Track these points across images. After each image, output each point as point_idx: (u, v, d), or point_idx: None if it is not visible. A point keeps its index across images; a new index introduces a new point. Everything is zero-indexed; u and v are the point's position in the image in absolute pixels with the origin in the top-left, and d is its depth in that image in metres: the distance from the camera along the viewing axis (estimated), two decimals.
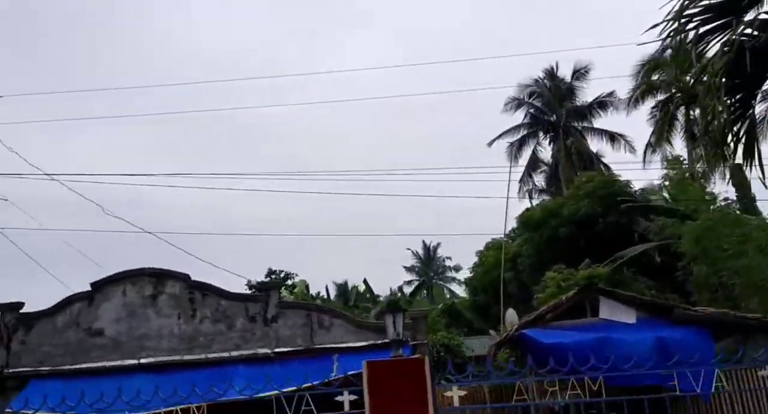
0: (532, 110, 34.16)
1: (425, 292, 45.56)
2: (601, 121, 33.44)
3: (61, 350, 15.84)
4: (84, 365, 15.58)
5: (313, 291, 36.72)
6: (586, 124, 33.52)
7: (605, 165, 31.25)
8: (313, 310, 16.50)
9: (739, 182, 22.48)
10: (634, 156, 31.19)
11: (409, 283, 47.22)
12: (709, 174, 27.19)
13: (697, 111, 29.90)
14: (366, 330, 16.19)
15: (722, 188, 23.22)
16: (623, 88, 32.30)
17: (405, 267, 49.59)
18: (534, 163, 33.84)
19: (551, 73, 34.15)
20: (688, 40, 5.75)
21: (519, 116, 34.20)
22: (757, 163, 7.10)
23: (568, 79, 34.19)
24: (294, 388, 5.81)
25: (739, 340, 13.21)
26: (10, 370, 15.65)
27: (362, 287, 40.31)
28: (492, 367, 9.80)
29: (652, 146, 29.98)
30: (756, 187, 22.00)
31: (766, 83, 6.83)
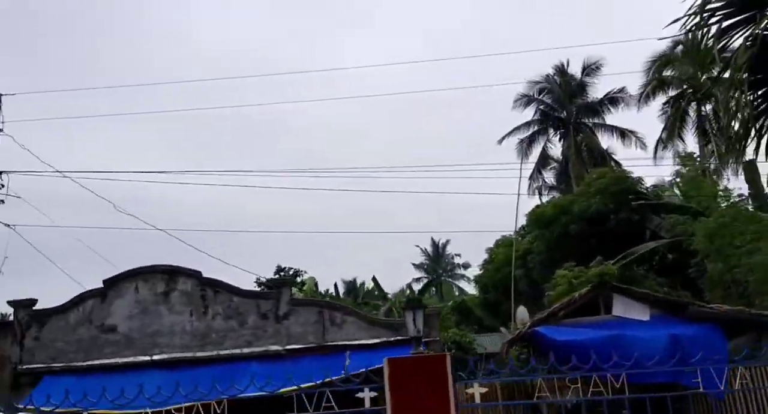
0: (542, 107, 34.02)
1: (434, 289, 45.52)
2: (612, 118, 33.31)
3: (74, 347, 15.94)
4: (97, 362, 15.69)
5: (321, 288, 36.73)
6: (596, 121, 33.36)
7: (616, 161, 31.09)
8: (324, 307, 16.51)
9: (752, 178, 22.31)
10: (645, 152, 31.07)
11: (417, 280, 47.22)
12: (722, 170, 27.07)
13: (709, 106, 29.93)
14: (378, 327, 16.20)
15: (735, 184, 23.07)
16: (634, 84, 32.17)
17: (414, 264, 49.58)
18: (544, 159, 33.69)
19: (561, 70, 33.99)
20: (710, 35, 5.68)
21: (529, 113, 34.10)
22: None
23: (578, 75, 34.02)
24: (313, 384, 5.79)
25: (754, 338, 13.12)
26: (24, 367, 15.77)
27: (370, 285, 40.32)
28: (505, 364, 9.79)
29: (664, 142, 29.87)
30: None
31: None
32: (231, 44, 76.50)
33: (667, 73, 30.16)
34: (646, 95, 30.22)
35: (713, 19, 5.82)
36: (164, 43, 79.97)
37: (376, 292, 37.58)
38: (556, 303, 16.85)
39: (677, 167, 26.02)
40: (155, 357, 15.79)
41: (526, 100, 33.59)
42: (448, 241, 50.16)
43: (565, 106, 33.65)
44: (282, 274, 34.58)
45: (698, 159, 27.10)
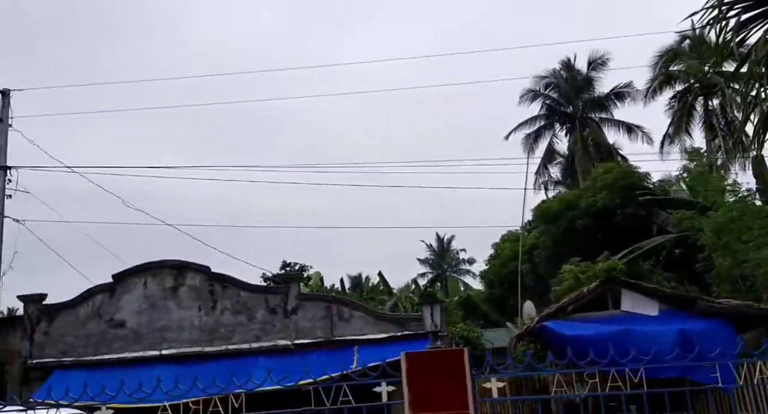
0: (548, 102, 33.93)
1: (439, 284, 45.52)
2: (619, 113, 33.22)
3: (84, 341, 16.01)
4: (106, 356, 15.74)
5: (327, 283, 36.81)
6: (603, 116, 33.26)
7: (622, 156, 31.03)
8: (332, 302, 16.55)
9: (760, 173, 22.26)
10: (651, 147, 30.99)
11: (422, 275, 47.18)
12: (729, 165, 27.02)
13: (716, 101, 29.87)
14: (385, 322, 16.23)
15: (743, 179, 23.00)
16: (640, 79, 32.10)
17: (419, 259, 49.55)
18: (550, 154, 33.62)
19: (568, 65, 33.89)
20: (728, 28, 5.65)
21: (535, 108, 34.02)
22: None
23: (584, 70, 33.92)
24: (328, 376, 5.81)
25: (762, 333, 13.11)
26: (34, 361, 15.84)
27: (375, 280, 40.35)
28: (513, 359, 9.79)
29: (670, 137, 29.79)
30: None
31: None
32: (232, 42, 76.48)
33: (674, 68, 30.06)
34: (652, 90, 30.13)
35: (732, 13, 5.79)
36: (164, 41, 79.96)
37: (382, 287, 37.60)
38: (562, 298, 16.87)
39: (684, 162, 26.02)
40: (164, 352, 15.84)
41: (532, 95, 33.52)
42: (453, 237, 50.19)
43: (571, 100, 33.58)
44: (287, 269, 34.67)
45: (705, 154, 27.05)
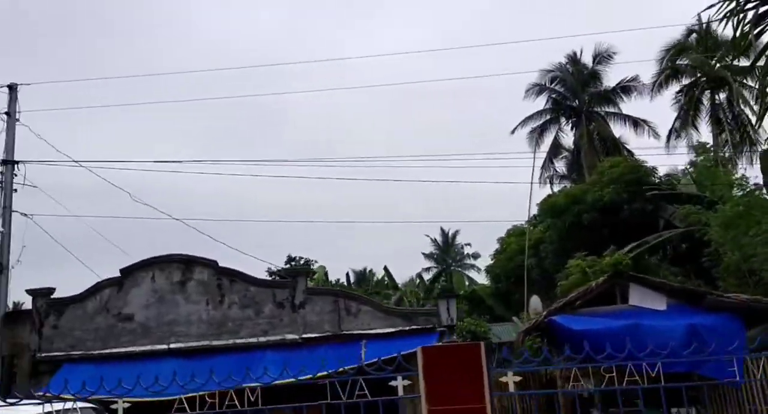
0: (554, 95, 33.82)
1: (444, 279, 45.53)
2: (625, 107, 33.09)
3: (92, 335, 16.08)
4: (114, 350, 15.82)
5: (332, 278, 36.85)
6: (609, 110, 33.13)
7: (628, 151, 30.93)
8: (340, 297, 16.58)
9: (767, 167, 22.17)
10: (657, 142, 30.88)
11: (427, 270, 47.22)
12: (735, 159, 26.93)
13: (723, 95, 29.76)
14: (393, 316, 16.26)
15: (751, 174, 22.92)
16: (646, 73, 32.01)
17: (424, 254, 49.58)
18: (556, 148, 33.51)
19: (574, 59, 33.76)
20: (746, 21, 5.61)
21: (541, 102, 33.92)
22: None
23: (590, 64, 33.80)
24: (342, 369, 5.82)
25: None
26: (43, 355, 15.93)
27: (380, 274, 40.39)
28: (520, 354, 9.78)
29: (677, 131, 29.68)
30: None
31: None
32: (232, 42, 76.40)
33: (681, 61, 29.94)
34: (659, 84, 30.01)
35: (750, 5, 5.74)
36: (165, 41, 79.90)
37: (387, 282, 37.62)
38: (569, 292, 16.84)
39: (691, 156, 25.93)
40: (172, 346, 15.91)
41: (537, 89, 33.40)
42: (457, 232, 50.21)
43: (577, 94, 33.46)
44: (293, 263, 34.71)
45: (712, 148, 26.95)
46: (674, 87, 30.23)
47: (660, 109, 35.44)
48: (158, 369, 11.42)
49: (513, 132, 33.02)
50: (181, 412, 5.65)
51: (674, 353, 5.92)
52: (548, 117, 33.60)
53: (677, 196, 23.04)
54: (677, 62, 29.99)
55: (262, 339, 15.92)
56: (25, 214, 16.91)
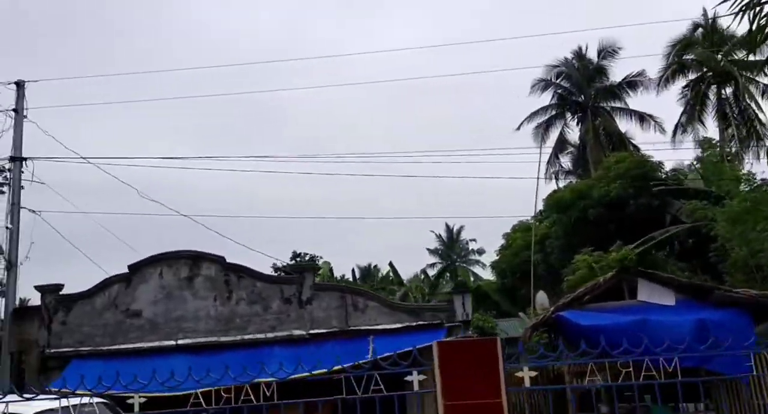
0: (559, 91, 33.74)
1: (448, 275, 45.55)
2: (631, 102, 33.02)
3: (100, 331, 16.15)
4: (123, 346, 15.88)
5: (337, 274, 36.90)
6: (615, 105, 33.06)
7: (634, 146, 30.87)
8: (347, 292, 16.62)
9: None
10: (664, 137, 30.82)
11: (432, 265, 47.25)
12: (742, 154, 26.87)
13: (729, 90, 29.67)
14: (399, 312, 16.29)
15: (757, 169, 22.89)
16: (652, 68, 31.88)
17: (428, 249, 49.63)
18: (561, 144, 33.46)
19: (579, 54, 33.69)
20: (763, 14, 5.57)
21: (546, 98, 33.86)
22: None
23: (595, 59, 33.71)
24: (356, 363, 5.84)
25: None
26: (51, 350, 16.00)
27: (385, 270, 40.42)
28: (525, 349, 9.80)
29: (683, 126, 29.64)
30: None
31: None
32: (231, 42, 76.38)
33: (687, 56, 29.85)
34: (665, 79, 29.94)
35: None
36: (166, 40, 79.82)
37: (392, 278, 37.66)
38: (575, 287, 16.82)
39: (697, 152, 25.86)
40: (180, 342, 15.97)
41: (543, 84, 33.32)
42: (462, 227, 50.25)
43: (583, 90, 33.39)
44: (298, 259, 34.78)
45: (718, 143, 26.89)
46: (680, 82, 30.21)
47: (666, 104, 35.40)
48: (167, 365, 11.47)
49: (519, 128, 32.99)
50: (196, 406, 5.69)
51: (685, 348, 5.90)
52: (554, 112, 33.54)
53: (684, 192, 23.00)
54: (684, 57, 29.91)
55: (270, 335, 15.97)
56: (34, 211, 16.97)
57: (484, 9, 79.73)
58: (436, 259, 49.11)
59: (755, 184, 18.98)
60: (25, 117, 17.04)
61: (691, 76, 30.11)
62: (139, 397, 5.58)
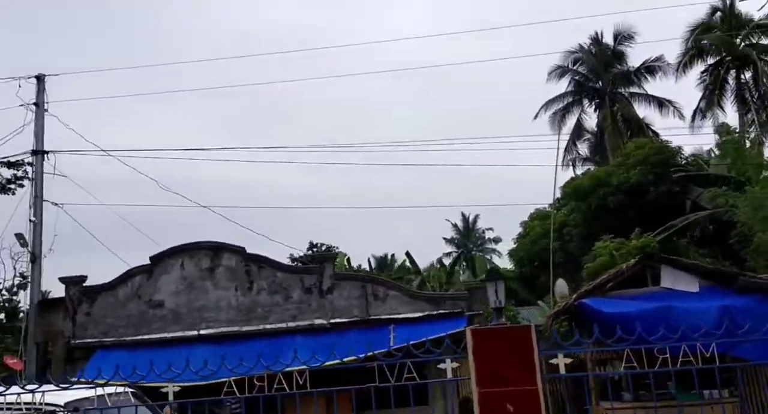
0: (577, 77, 33.44)
1: (465, 263, 45.54)
2: (649, 87, 32.65)
3: (124, 321, 16.33)
4: (146, 336, 16.04)
5: (353, 264, 36.99)
6: (633, 90, 32.71)
7: (653, 131, 30.57)
8: (367, 282, 16.68)
9: None
10: (683, 122, 30.49)
11: (448, 254, 47.23)
12: (762, 138, 26.54)
13: (748, 74, 29.29)
14: (420, 301, 16.32)
15: None
16: (671, 53, 31.52)
17: (445, 239, 49.63)
18: (578, 131, 33.18)
19: (596, 39, 33.33)
20: None
21: (563, 85, 33.55)
22: None
23: (612, 44, 33.34)
24: (385, 351, 5.86)
25: None
26: (76, 341, 16.20)
27: (401, 260, 40.46)
28: (548, 337, 9.77)
29: (702, 112, 29.32)
30: None
31: None
32: (255, 28, 76.35)
33: (706, 41, 29.48)
34: (684, 64, 29.62)
35: None
36: (172, 38, 79.95)
37: (409, 267, 37.70)
38: (596, 275, 16.75)
39: (716, 138, 25.60)
40: (202, 332, 16.11)
41: (560, 71, 33.01)
42: (477, 216, 50.16)
43: (600, 76, 33.06)
44: (314, 250, 34.90)
45: (736, 129, 26.58)
46: (699, 67, 29.87)
47: (685, 89, 34.99)
48: (190, 354, 11.57)
49: (536, 117, 32.75)
50: (229, 395, 5.75)
51: (712, 335, 5.86)
52: (571, 99, 33.24)
53: (704, 178, 22.79)
54: (702, 42, 29.55)
55: (291, 324, 16.07)
56: (56, 204, 17.15)
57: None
58: (452, 249, 49.13)
59: None
60: (46, 110, 17.20)
61: (710, 60, 29.77)
62: (174, 386, 5.64)
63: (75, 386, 6.18)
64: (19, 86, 16.96)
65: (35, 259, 16.58)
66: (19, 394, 6.03)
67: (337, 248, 36.33)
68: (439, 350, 5.19)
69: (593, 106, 33.40)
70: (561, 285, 21.18)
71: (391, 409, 6.04)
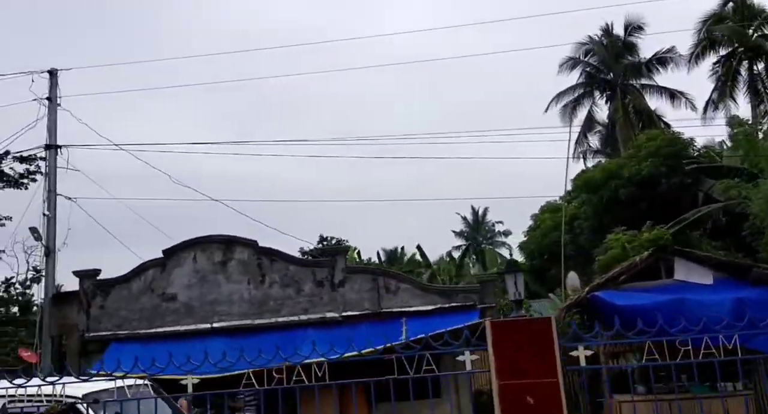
0: (588, 69, 33.21)
1: (474, 256, 45.48)
2: (661, 79, 32.41)
3: (137, 315, 16.43)
4: (160, 329, 16.13)
5: (363, 257, 37.00)
6: (644, 82, 32.46)
7: (665, 123, 30.36)
8: (379, 275, 16.71)
9: None
10: (695, 114, 30.26)
11: (458, 248, 47.20)
12: None
13: (761, 65, 29.04)
14: (431, 294, 16.33)
15: None
16: (683, 45, 31.30)
17: (454, 232, 49.61)
18: (589, 123, 32.98)
19: (607, 30, 33.08)
20: None
21: (574, 77, 33.34)
22: None
23: (623, 36, 33.09)
24: (402, 342, 5.88)
25: None
26: (91, 334, 16.32)
27: (410, 253, 40.45)
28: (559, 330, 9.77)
29: (714, 103, 29.08)
30: None
31: None
32: (255, 24, 76.22)
33: (718, 32, 29.22)
34: (696, 55, 29.36)
35: None
36: (174, 37, 79.95)
37: (419, 260, 37.68)
38: (607, 268, 16.69)
39: (730, 129, 25.39)
40: (215, 325, 16.19)
41: (571, 62, 32.79)
42: (487, 209, 50.10)
43: (611, 67, 32.82)
44: (325, 244, 34.94)
45: (748, 121, 26.36)
46: (711, 58, 29.59)
47: (697, 80, 34.70)
48: (204, 347, 11.62)
49: (546, 110, 32.58)
50: (248, 387, 5.78)
51: (732, 327, 5.84)
52: (581, 91, 33.02)
53: (716, 170, 22.63)
54: (714, 32, 29.28)
55: (303, 317, 16.13)
56: (69, 198, 17.24)
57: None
58: (461, 242, 49.08)
59: None
60: (59, 105, 17.26)
61: (722, 51, 29.49)
62: (192, 378, 5.67)
63: (94, 378, 6.21)
64: (32, 81, 17.04)
65: (49, 252, 16.68)
66: (39, 385, 6.09)
67: (347, 242, 36.36)
68: (458, 342, 5.19)
69: (604, 98, 33.18)
70: (572, 278, 21.12)
71: (408, 401, 6.06)
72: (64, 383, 6.11)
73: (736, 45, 29.07)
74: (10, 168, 19.31)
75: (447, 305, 15.88)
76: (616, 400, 12.44)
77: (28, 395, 6.17)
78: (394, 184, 55.85)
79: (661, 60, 32.13)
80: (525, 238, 30.66)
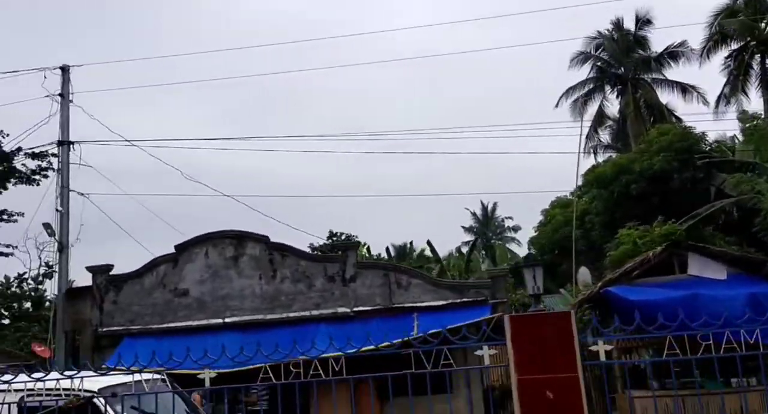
0: (599, 63, 33.01)
1: (483, 252, 45.39)
2: (672, 73, 32.18)
3: (150, 310, 16.50)
4: (172, 324, 16.21)
5: (373, 252, 36.99)
6: (655, 76, 32.24)
7: (677, 117, 30.16)
8: (391, 270, 16.67)
9: None
10: (707, 108, 30.04)
11: (467, 243, 47.10)
12: None
13: None
14: (443, 289, 16.30)
15: None
16: (694, 39, 31.04)
17: (463, 227, 49.54)
18: (600, 118, 32.80)
19: (618, 24, 32.87)
20: None
21: (585, 71, 33.16)
22: None
23: (634, 30, 32.87)
24: (420, 336, 5.88)
25: None
26: (104, 329, 16.42)
27: (419, 248, 40.41)
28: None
29: (726, 97, 28.84)
30: None
31: None
32: (261, 22, 76.18)
33: (730, 26, 28.97)
34: (708, 49, 29.12)
35: None
36: (176, 35, 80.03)
37: (429, 256, 37.64)
38: (619, 263, 16.64)
39: (742, 124, 25.18)
40: (227, 320, 16.23)
41: (582, 57, 32.60)
42: (496, 204, 50.00)
43: (622, 61, 32.61)
44: (334, 239, 34.95)
45: (761, 115, 26.13)
46: (723, 52, 29.33)
47: (709, 74, 34.44)
48: (216, 342, 11.68)
49: (557, 105, 32.42)
50: (265, 381, 5.79)
51: (754, 321, 5.78)
52: (592, 86, 32.85)
53: (728, 164, 22.47)
54: (726, 26, 29.04)
55: (315, 312, 16.14)
56: (82, 194, 17.32)
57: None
58: (470, 237, 48.99)
59: None
60: (71, 101, 17.33)
61: (734, 45, 29.22)
62: (210, 372, 5.69)
63: (112, 372, 6.25)
64: (44, 77, 17.11)
65: (63, 248, 16.78)
66: (58, 379, 6.13)
67: (356, 237, 36.33)
68: (475, 337, 5.18)
69: (615, 93, 32.99)
70: (584, 273, 21.09)
71: (422, 396, 6.06)
72: (82, 377, 6.15)
73: (749, 39, 28.81)
74: (23, 164, 19.41)
75: (459, 300, 15.84)
76: (631, 395, 12.39)
77: (47, 389, 6.20)
78: (401, 179, 55.85)
79: (673, 54, 31.89)
80: (535, 234, 30.60)
